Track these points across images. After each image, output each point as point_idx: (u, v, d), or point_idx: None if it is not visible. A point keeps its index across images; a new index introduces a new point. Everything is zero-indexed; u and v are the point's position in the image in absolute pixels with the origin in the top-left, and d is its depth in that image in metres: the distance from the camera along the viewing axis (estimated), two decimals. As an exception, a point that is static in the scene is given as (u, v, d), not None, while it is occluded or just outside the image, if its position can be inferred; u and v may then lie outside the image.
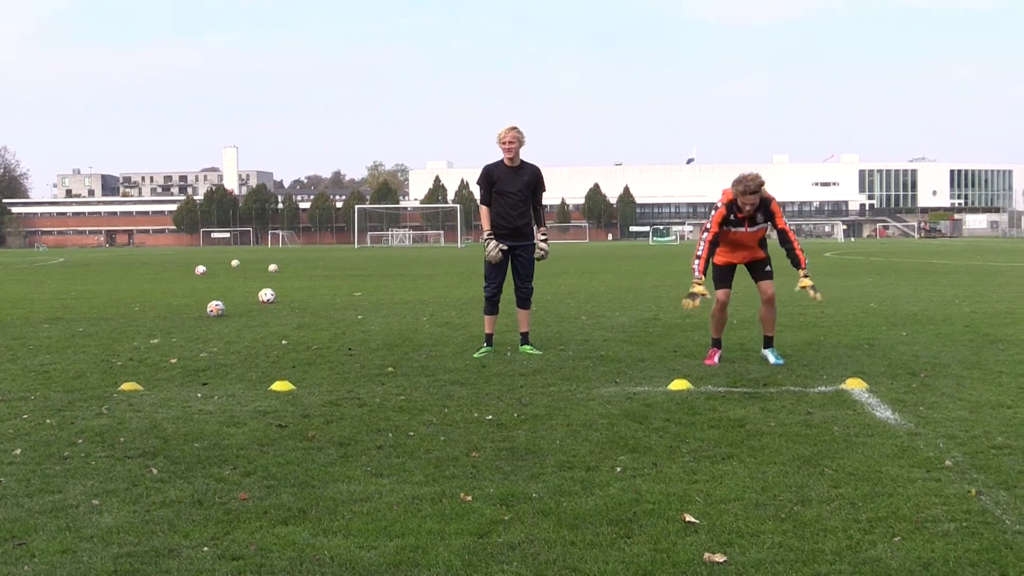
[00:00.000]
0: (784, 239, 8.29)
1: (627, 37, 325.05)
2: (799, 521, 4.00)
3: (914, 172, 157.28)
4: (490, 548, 3.74)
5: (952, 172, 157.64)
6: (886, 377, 7.53)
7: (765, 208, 8.21)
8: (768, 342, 8.53)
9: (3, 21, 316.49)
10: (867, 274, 23.91)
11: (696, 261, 8.25)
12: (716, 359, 8.44)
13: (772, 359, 8.31)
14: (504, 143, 9.18)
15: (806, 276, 8.33)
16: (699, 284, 8.14)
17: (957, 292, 16.64)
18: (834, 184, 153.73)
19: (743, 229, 8.26)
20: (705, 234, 8.30)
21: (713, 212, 8.31)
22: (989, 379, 7.37)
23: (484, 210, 9.38)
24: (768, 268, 8.52)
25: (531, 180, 9.31)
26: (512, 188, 9.22)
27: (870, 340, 9.86)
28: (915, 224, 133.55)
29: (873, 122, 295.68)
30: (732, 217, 8.22)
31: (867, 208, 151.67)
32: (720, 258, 8.51)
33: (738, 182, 8.07)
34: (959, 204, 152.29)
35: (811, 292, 8.25)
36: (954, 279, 20.97)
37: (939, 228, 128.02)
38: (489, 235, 9.31)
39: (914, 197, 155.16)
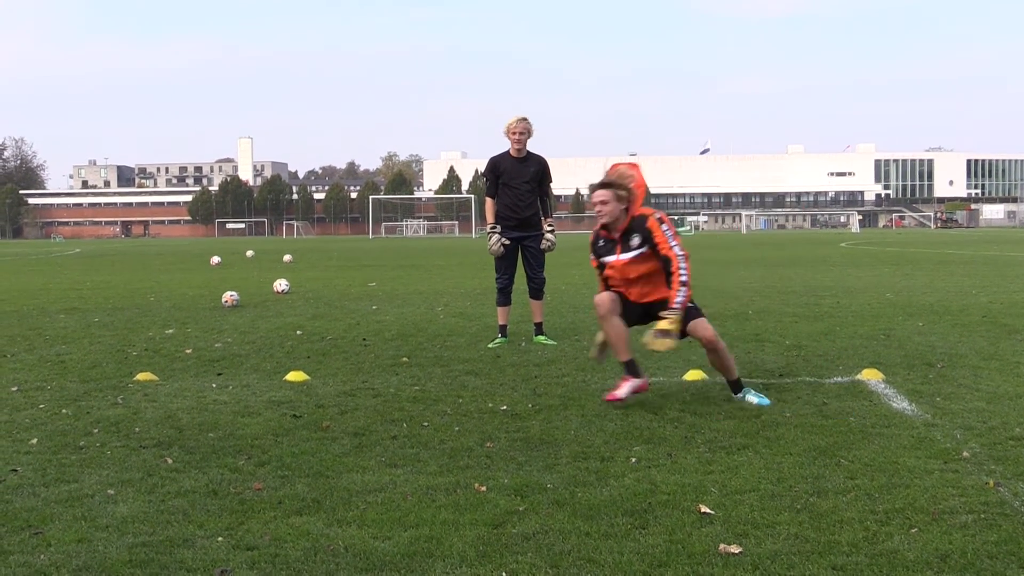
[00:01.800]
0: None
1: (642, 28, 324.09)
2: (815, 512, 3.97)
3: (930, 162, 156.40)
4: (504, 539, 3.73)
5: (969, 162, 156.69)
6: (902, 368, 7.48)
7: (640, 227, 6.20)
8: (735, 386, 6.25)
9: (20, 13, 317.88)
10: (883, 264, 23.78)
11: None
12: (628, 389, 6.10)
13: (754, 400, 6.10)
14: (514, 133, 9.14)
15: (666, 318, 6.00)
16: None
17: (974, 282, 16.53)
18: (850, 174, 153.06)
19: (613, 257, 6.31)
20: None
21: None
22: (1007, 370, 7.31)
23: (489, 203, 9.32)
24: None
25: (538, 171, 9.27)
26: (519, 179, 9.18)
27: (886, 330, 9.81)
28: (931, 214, 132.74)
29: (889, 112, 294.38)
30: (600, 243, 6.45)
31: (883, 198, 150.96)
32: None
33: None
34: (976, 194, 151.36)
35: (652, 339, 5.98)
36: (971, 269, 20.83)
37: (955, 218, 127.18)
38: (492, 228, 9.27)
39: (930, 187, 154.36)
